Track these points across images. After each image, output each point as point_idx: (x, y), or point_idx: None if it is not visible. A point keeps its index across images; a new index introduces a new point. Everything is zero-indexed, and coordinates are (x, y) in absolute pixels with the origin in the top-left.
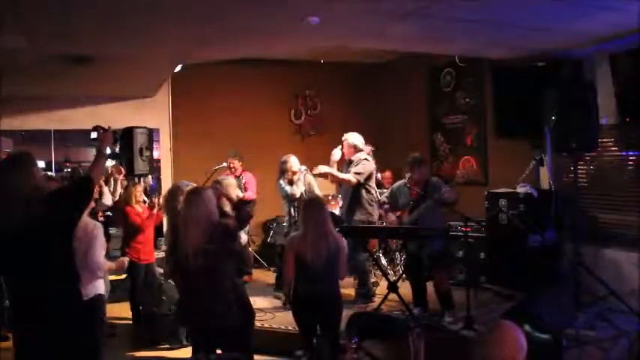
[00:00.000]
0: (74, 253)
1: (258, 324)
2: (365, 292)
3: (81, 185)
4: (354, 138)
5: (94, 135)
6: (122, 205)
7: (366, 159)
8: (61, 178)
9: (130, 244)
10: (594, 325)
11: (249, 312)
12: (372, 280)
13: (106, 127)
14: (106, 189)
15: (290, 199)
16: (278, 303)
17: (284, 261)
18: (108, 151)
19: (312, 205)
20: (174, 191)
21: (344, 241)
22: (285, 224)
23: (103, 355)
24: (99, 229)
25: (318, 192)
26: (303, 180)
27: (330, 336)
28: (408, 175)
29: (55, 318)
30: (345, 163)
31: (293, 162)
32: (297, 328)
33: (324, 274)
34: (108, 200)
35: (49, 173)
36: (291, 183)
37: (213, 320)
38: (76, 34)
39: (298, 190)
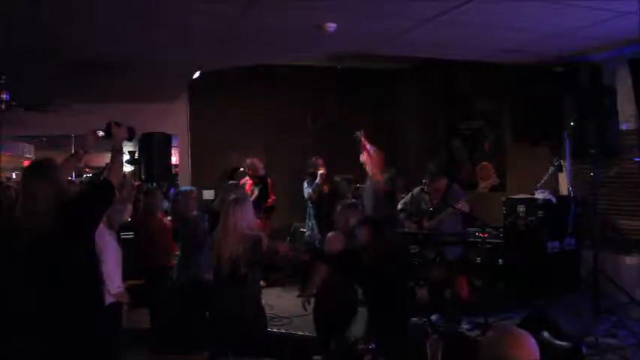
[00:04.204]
0: (97, 258)
1: (275, 329)
2: None
3: (101, 189)
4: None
5: (101, 133)
6: (141, 211)
7: None
8: (80, 183)
9: (148, 250)
10: (615, 333)
11: (265, 317)
12: None
13: (120, 123)
14: (129, 205)
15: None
16: (295, 308)
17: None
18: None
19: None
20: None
21: None
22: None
23: None
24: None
25: None
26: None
27: (347, 340)
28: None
29: (77, 322)
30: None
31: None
32: (314, 334)
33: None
34: (127, 214)
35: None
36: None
37: (240, 324)
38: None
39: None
